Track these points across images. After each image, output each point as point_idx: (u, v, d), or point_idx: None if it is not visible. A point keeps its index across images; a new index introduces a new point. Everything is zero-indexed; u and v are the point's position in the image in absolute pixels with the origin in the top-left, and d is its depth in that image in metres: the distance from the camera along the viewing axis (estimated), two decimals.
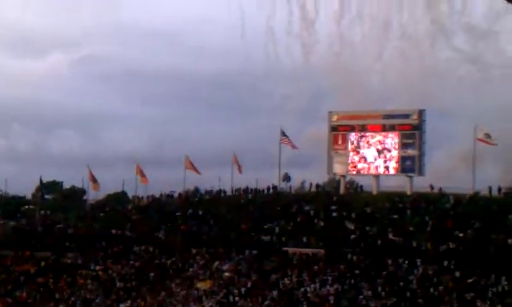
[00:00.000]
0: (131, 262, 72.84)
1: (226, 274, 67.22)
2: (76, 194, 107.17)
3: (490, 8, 70.36)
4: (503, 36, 74.30)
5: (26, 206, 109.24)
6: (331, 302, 59.77)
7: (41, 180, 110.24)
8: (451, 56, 76.17)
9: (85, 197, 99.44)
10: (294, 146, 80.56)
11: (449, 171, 78.03)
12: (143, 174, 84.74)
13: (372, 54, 78.69)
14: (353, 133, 77.17)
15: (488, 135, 72.34)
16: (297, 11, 77.51)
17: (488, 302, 55.59)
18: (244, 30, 77.96)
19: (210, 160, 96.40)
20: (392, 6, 75.13)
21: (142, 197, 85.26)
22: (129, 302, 66.36)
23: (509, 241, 61.55)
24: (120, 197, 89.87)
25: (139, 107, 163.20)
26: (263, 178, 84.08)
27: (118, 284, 69.86)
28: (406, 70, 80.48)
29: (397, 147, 74.93)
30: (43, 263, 76.56)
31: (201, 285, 65.80)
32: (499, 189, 71.15)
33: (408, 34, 76.08)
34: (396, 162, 74.95)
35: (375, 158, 75.99)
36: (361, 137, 76.66)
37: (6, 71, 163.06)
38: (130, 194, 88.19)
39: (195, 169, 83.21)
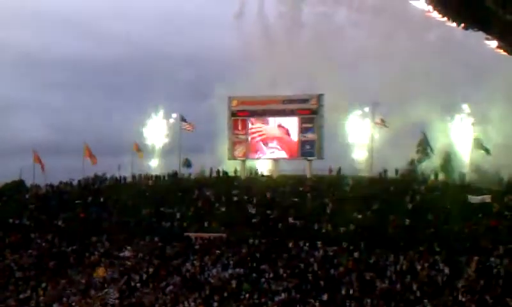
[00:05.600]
0: (30, 251, 71.39)
1: (127, 261, 66.72)
2: None
3: None
4: None
5: None
6: (234, 285, 60.07)
7: None
8: None
9: None
10: (190, 129, 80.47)
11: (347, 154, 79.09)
12: (40, 162, 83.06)
13: None
14: (253, 118, 77.53)
15: (382, 120, 73.97)
16: None
17: (387, 282, 56.87)
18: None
19: (110, 148, 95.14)
20: None
21: (40, 186, 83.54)
22: (29, 292, 64.97)
23: (407, 221, 63.10)
24: (17, 186, 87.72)
25: (39, 95, 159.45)
26: (163, 165, 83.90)
27: (16, 274, 68.43)
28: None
29: (296, 131, 75.65)
30: None
31: (101, 272, 65.07)
32: (396, 171, 72.76)
33: None
34: (296, 146, 75.67)
35: (275, 143, 76.54)
36: (261, 122, 77.09)
37: None
38: (28, 183, 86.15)
39: (92, 157, 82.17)
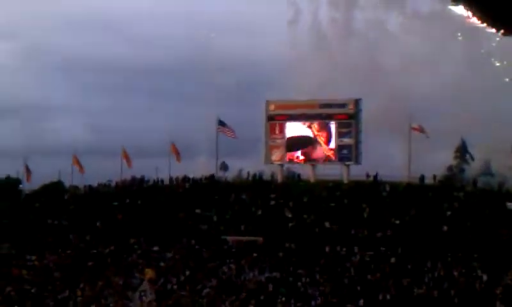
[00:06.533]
0: (68, 252, 72.23)
1: (165, 263, 67.13)
2: (10, 184, 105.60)
3: None
4: None
5: None
6: (270, 289, 60.18)
7: None
8: None
9: (20, 187, 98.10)
10: (232, 135, 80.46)
11: (385, 159, 79.01)
12: (79, 164, 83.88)
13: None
14: (290, 123, 77.56)
15: (421, 126, 73.67)
16: None
17: (425, 288, 56.64)
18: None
19: (148, 150, 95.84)
20: None
21: (79, 187, 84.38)
22: (67, 292, 65.72)
23: (444, 228, 62.79)
24: (56, 187, 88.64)
25: (78, 97, 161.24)
26: (200, 168, 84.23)
27: (55, 274, 69.20)
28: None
29: (333, 136, 75.57)
30: None
31: (150, 274, 65.39)
32: (434, 177, 72.45)
33: None
34: (333, 151, 75.59)
35: (312, 148, 76.49)
36: (298, 126, 77.10)
37: None
38: (67, 185, 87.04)
39: (128, 161, 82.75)
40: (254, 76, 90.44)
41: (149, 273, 65.26)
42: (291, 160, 78.19)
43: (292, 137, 76.98)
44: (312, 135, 76.16)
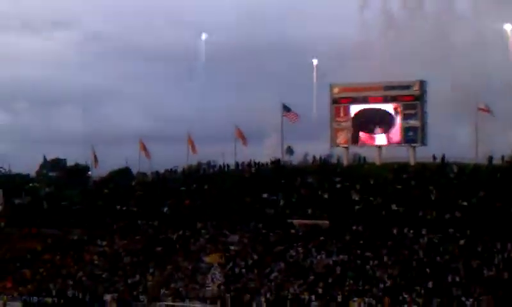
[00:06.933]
0: (137, 237, 73.40)
1: (232, 247, 67.78)
2: (79, 171, 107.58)
3: None
4: None
5: (30, 184, 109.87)
6: (338, 272, 60.30)
7: (45, 158, 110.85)
8: None
9: (89, 174, 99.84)
10: (295, 120, 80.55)
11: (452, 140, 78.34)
12: (146, 150, 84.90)
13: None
14: (354, 105, 77.32)
15: (487, 106, 72.81)
16: None
17: (494, 269, 56.11)
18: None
19: (213, 136, 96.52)
20: None
21: (146, 173, 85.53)
22: (137, 277, 66.80)
23: None
24: (123, 174, 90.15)
25: (142, 84, 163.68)
26: (266, 152, 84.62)
27: (125, 259, 70.41)
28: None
29: (399, 118, 75.07)
30: (49, 240, 77.16)
31: (216, 258, 66.13)
32: (502, 158, 71.57)
33: None
34: (398, 133, 75.12)
35: (378, 129, 76.13)
36: (363, 108, 76.78)
37: (9, 50, 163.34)
38: (134, 171, 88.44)
39: (193, 148, 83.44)
40: (320, 60, 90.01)
41: (215, 258, 65.98)
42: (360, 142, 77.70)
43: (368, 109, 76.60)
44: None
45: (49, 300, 66.64)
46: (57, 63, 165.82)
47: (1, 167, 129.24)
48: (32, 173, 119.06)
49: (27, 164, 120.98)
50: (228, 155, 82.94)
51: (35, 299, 67.12)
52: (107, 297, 64.43)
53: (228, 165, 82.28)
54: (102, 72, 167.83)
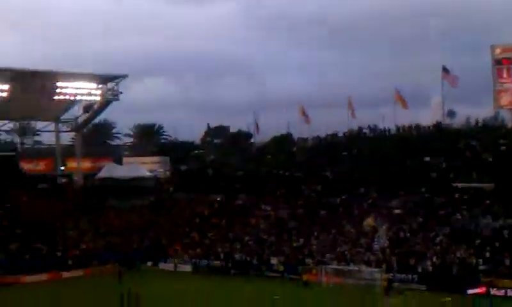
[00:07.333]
0: (300, 202, 74.68)
1: (396, 211, 67.92)
2: (242, 137, 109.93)
3: None
4: None
5: (196, 151, 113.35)
6: (505, 236, 59.41)
7: (208, 126, 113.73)
8: None
9: (251, 140, 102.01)
10: (455, 84, 79.26)
11: None
12: (306, 115, 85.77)
13: None
14: None
15: None
16: None
17: None
18: None
19: (372, 100, 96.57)
20: None
21: (307, 139, 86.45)
22: (301, 240, 68.15)
23: None
24: (285, 139, 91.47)
25: (301, 52, 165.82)
26: (426, 115, 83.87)
27: (289, 223, 71.89)
28: None
29: None
30: (216, 205, 79.73)
31: (370, 222, 66.64)
32: None
33: None
34: None
35: None
36: None
37: (175, 23, 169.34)
38: (294, 136, 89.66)
39: (352, 111, 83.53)
40: (480, 21, 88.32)
41: (369, 222, 66.46)
42: None
43: None
44: None
45: (217, 263, 69.17)
46: (220, 35, 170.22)
47: (168, 135, 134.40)
48: (197, 140, 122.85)
49: (192, 131, 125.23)
50: (388, 118, 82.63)
51: (204, 262, 69.86)
52: (274, 260, 66.11)
53: (388, 129, 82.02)
54: (262, 42, 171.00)
